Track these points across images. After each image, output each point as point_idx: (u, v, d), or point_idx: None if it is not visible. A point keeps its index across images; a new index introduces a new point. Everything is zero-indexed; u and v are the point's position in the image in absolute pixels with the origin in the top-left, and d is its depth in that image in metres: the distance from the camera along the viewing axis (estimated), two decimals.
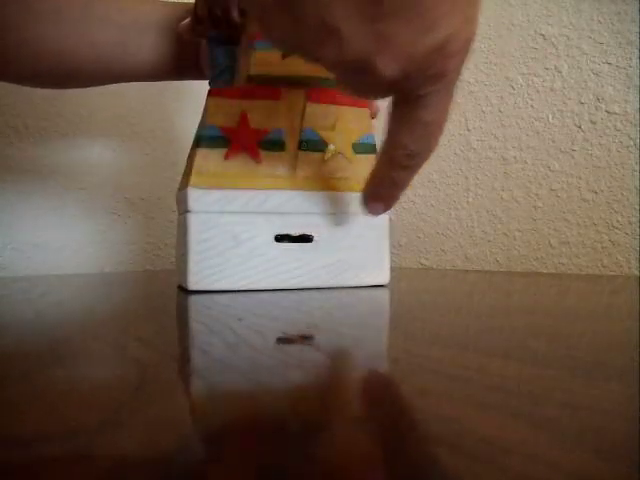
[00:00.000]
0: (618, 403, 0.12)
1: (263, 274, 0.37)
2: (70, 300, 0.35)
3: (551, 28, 0.63)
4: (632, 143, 0.57)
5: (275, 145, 0.37)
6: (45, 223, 0.66)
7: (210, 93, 0.37)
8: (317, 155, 0.38)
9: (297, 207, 0.37)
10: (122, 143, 0.72)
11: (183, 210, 0.37)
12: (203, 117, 0.37)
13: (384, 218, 0.40)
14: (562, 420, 0.11)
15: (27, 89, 0.63)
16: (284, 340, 0.20)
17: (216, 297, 0.34)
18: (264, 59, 0.37)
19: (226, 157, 0.36)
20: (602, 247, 0.58)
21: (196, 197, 0.35)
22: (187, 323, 0.26)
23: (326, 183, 0.38)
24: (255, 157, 0.36)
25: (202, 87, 0.46)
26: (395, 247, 0.76)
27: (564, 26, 0.62)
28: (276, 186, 0.37)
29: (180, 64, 0.49)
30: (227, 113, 0.36)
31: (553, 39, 0.63)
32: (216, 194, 0.36)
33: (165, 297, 0.37)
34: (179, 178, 0.43)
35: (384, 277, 0.40)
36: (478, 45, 0.69)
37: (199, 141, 0.36)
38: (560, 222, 0.62)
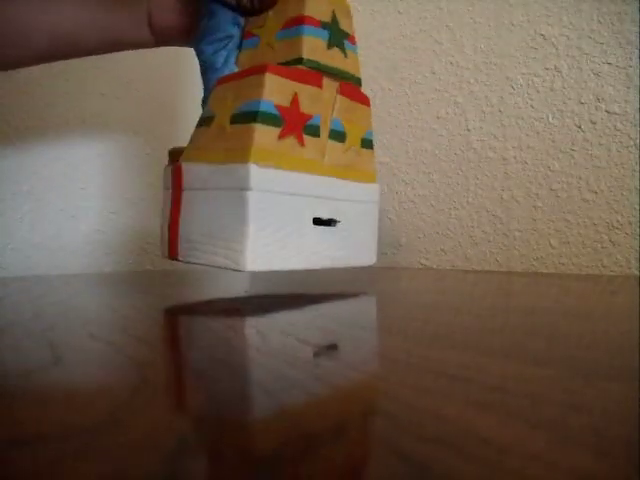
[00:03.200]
0: (618, 403, 0.12)
1: (303, 254, 0.38)
2: (70, 300, 0.35)
3: (551, 28, 0.63)
4: (632, 143, 0.57)
5: (314, 131, 0.38)
6: (45, 223, 0.66)
7: (267, 69, 0.36)
8: (339, 145, 0.40)
9: (325, 192, 0.39)
10: (122, 143, 0.72)
11: (237, 187, 0.35)
12: (251, 91, 0.36)
13: (375, 206, 0.44)
14: (562, 420, 0.11)
15: (27, 89, 0.63)
16: (283, 340, 0.20)
17: (215, 297, 0.34)
18: (313, 46, 0.38)
19: (280, 136, 0.36)
20: (602, 247, 0.58)
21: (256, 174, 0.34)
22: (187, 323, 0.26)
23: (344, 172, 0.40)
24: (300, 140, 0.37)
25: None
26: (395, 247, 0.76)
27: (564, 26, 0.62)
28: (314, 171, 0.38)
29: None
30: (281, 92, 0.36)
31: (553, 39, 0.63)
32: (271, 173, 0.35)
33: (165, 297, 0.37)
34: None
35: (373, 257, 0.44)
36: (478, 45, 0.69)
37: (255, 116, 0.35)
38: (560, 222, 0.62)
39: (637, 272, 0.55)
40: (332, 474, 0.09)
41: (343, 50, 0.40)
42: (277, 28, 0.40)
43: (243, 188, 0.34)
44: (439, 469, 0.09)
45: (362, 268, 0.43)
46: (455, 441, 0.10)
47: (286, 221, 0.36)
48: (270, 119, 0.35)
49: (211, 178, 0.36)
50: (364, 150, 0.42)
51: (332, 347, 0.19)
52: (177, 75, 0.75)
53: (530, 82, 0.65)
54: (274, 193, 0.35)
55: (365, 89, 0.43)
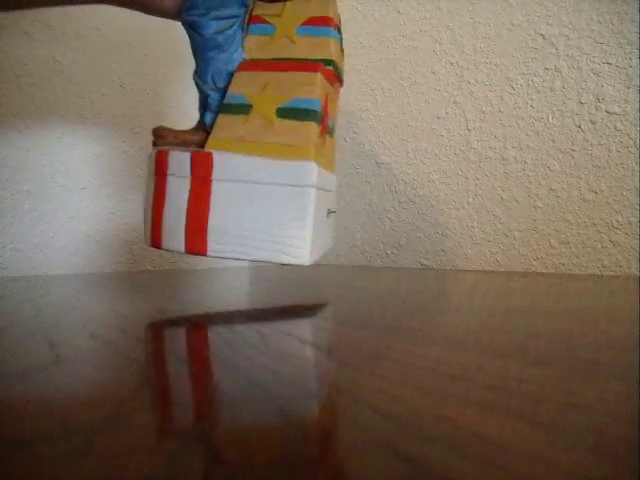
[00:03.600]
0: (618, 403, 0.12)
1: (322, 244, 0.39)
2: (70, 300, 0.35)
3: (551, 28, 0.63)
4: (632, 143, 0.57)
5: (326, 128, 0.40)
6: (45, 223, 0.66)
7: (319, 69, 0.36)
8: (330, 139, 0.42)
9: (330, 185, 0.40)
10: (122, 143, 0.72)
11: (298, 183, 0.35)
12: (302, 88, 0.36)
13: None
14: (562, 420, 0.11)
15: (27, 90, 0.63)
16: (283, 340, 0.20)
17: (215, 297, 0.34)
18: (336, 48, 0.39)
19: (319, 134, 0.37)
20: (602, 247, 0.58)
21: (317, 172, 0.35)
22: (187, 323, 0.26)
23: (332, 165, 0.42)
24: (324, 137, 0.38)
25: None
26: (395, 247, 0.76)
27: (564, 26, 0.62)
28: (325, 165, 0.39)
29: None
30: (323, 92, 0.37)
31: (553, 39, 0.63)
32: (319, 170, 0.36)
33: (165, 297, 0.37)
34: None
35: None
36: (478, 45, 0.69)
37: (314, 114, 0.35)
38: (560, 222, 0.62)
39: (637, 272, 0.55)
40: (332, 474, 0.09)
41: (343, 52, 0.42)
42: (297, 22, 0.39)
43: (305, 185, 0.34)
44: (439, 469, 0.09)
45: (362, 268, 0.43)
46: (455, 441, 0.10)
47: (320, 215, 0.37)
48: (319, 118, 0.36)
49: (258, 172, 0.35)
50: (333, 139, 0.45)
51: (332, 347, 0.19)
52: (177, 75, 0.75)
53: (530, 82, 0.65)
54: (318, 189, 0.36)
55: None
